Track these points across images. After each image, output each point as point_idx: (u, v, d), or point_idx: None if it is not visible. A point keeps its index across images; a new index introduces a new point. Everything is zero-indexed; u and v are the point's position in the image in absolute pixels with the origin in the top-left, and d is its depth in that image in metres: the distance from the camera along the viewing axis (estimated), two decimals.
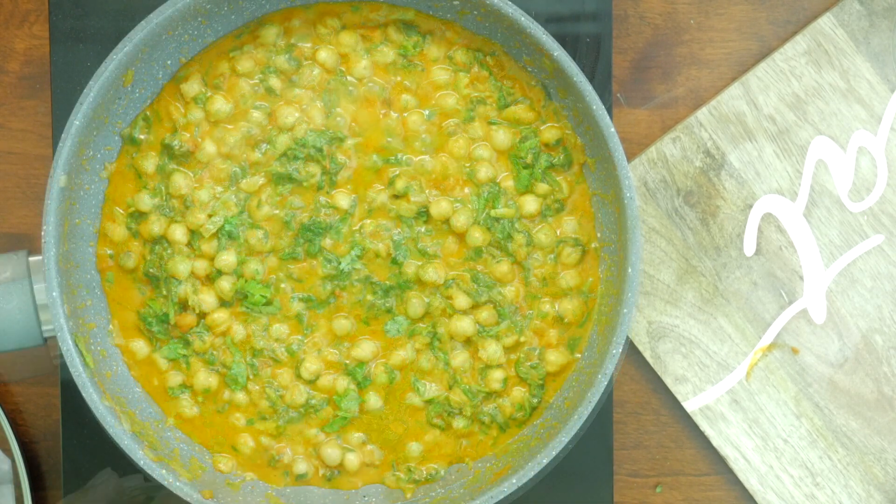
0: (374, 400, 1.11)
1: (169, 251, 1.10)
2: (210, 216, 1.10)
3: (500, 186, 1.10)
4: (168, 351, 1.10)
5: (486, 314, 1.10)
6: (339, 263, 1.10)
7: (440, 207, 1.10)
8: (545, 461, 1.04)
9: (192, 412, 1.11)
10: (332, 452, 1.11)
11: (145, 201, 1.10)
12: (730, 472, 1.19)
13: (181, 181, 1.10)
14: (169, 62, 1.09)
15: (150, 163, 1.10)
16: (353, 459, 1.11)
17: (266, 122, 1.10)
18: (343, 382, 1.11)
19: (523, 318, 1.11)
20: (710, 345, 1.17)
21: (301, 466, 1.11)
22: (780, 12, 1.19)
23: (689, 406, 1.17)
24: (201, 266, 1.10)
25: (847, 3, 1.17)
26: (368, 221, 1.10)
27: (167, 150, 1.10)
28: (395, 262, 1.10)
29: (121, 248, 1.10)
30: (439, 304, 1.10)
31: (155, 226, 1.09)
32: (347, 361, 1.11)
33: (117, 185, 1.10)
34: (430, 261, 1.10)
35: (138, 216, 1.10)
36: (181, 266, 1.09)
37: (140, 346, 1.11)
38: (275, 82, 1.10)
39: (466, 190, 1.10)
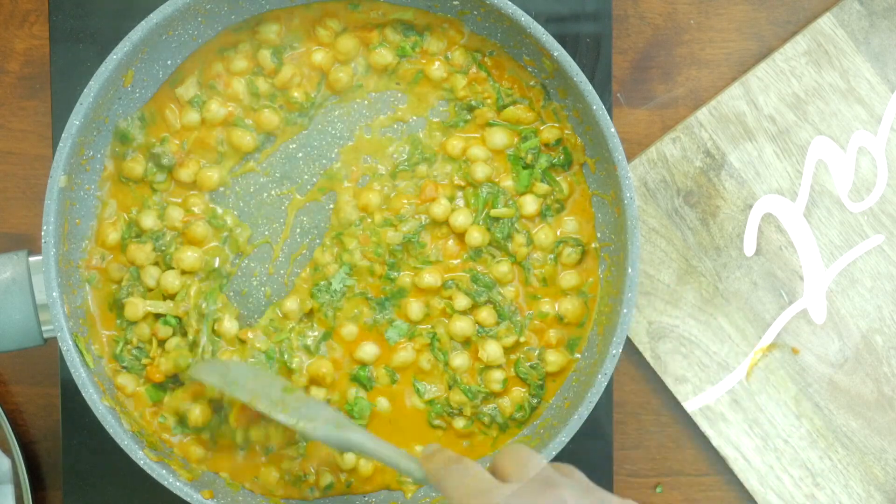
0: (382, 403, 1.10)
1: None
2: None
3: (500, 186, 1.10)
4: (152, 392, 1.10)
5: (485, 314, 1.10)
6: (331, 284, 1.09)
7: (440, 207, 1.10)
8: (545, 461, 1.04)
9: (201, 453, 1.10)
10: (347, 458, 1.09)
11: (147, 222, 1.09)
12: (730, 472, 1.19)
13: (175, 215, 1.08)
14: (169, 62, 1.09)
15: (137, 166, 1.09)
16: (365, 464, 1.10)
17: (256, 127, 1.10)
18: (352, 392, 1.10)
19: (523, 318, 1.10)
20: (710, 345, 1.17)
21: (326, 478, 1.10)
22: (780, 12, 1.19)
23: (689, 406, 1.17)
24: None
25: (847, 3, 1.17)
26: (366, 225, 1.10)
27: (153, 158, 1.09)
28: (387, 278, 1.09)
29: (111, 252, 1.09)
30: (438, 304, 1.10)
31: (140, 254, 1.08)
32: (352, 370, 1.10)
33: (117, 185, 1.10)
34: (424, 266, 1.09)
35: (134, 228, 1.09)
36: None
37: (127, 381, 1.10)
38: (266, 85, 1.10)
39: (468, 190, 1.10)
